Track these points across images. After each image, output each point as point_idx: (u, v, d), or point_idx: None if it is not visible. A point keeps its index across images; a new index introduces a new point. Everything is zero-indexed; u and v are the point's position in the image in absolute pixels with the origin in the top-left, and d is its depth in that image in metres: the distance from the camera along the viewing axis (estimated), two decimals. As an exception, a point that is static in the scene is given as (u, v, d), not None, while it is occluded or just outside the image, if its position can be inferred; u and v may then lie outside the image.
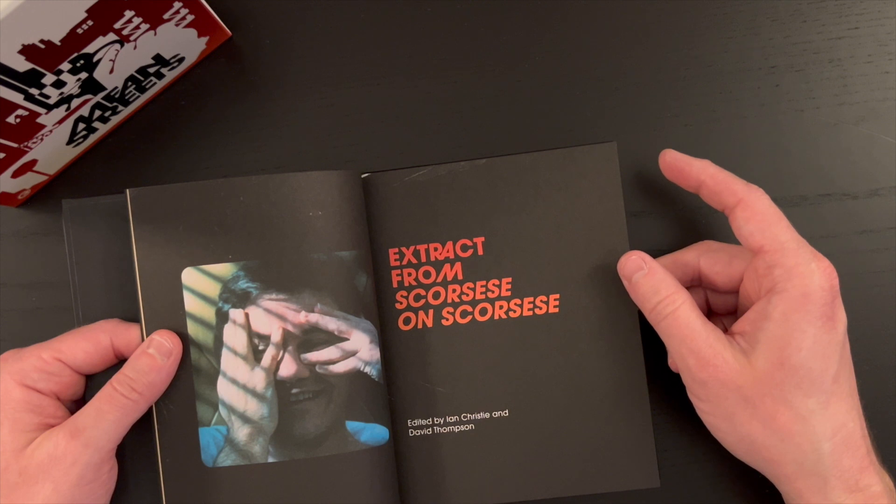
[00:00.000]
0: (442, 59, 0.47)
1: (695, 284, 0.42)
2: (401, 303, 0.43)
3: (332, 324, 0.40)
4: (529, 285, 0.42)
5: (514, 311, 0.42)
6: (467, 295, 0.43)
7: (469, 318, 0.43)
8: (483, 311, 0.43)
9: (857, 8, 0.46)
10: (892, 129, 0.45)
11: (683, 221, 0.45)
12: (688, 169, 0.40)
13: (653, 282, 0.39)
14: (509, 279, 0.42)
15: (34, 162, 0.43)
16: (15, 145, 0.40)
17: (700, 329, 0.38)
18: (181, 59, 0.45)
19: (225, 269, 0.40)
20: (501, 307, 0.42)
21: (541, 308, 0.42)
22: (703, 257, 0.41)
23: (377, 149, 0.46)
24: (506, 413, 0.42)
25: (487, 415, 0.42)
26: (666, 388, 0.44)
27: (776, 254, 0.37)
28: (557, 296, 0.42)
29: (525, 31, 0.47)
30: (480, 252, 0.43)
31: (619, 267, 0.41)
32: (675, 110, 0.46)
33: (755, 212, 0.38)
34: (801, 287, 0.36)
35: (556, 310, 0.42)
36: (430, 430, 0.42)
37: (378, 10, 0.47)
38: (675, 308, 0.38)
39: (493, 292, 0.43)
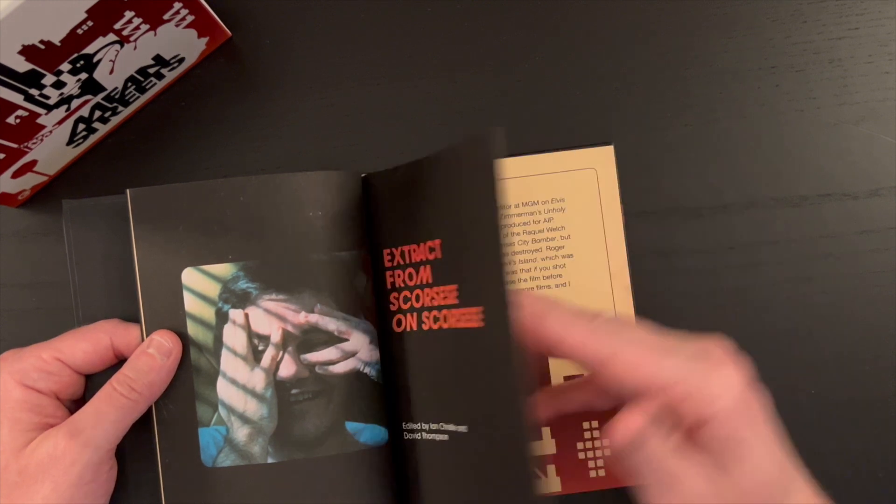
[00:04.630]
0: (442, 59, 0.47)
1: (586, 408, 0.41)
2: (393, 304, 0.41)
3: (331, 324, 0.40)
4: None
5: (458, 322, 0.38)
6: (434, 299, 0.39)
7: (438, 323, 0.39)
8: (436, 319, 0.39)
9: (857, 8, 0.46)
10: (892, 129, 0.45)
11: (683, 222, 0.45)
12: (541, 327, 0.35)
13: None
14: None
15: (34, 162, 0.43)
16: (15, 146, 0.40)
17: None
18: (181, 60, 0.45)
19: (225, 269, 0.40)
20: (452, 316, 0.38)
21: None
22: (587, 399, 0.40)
23: (377, 149, 0.46)
24: (464, 429, 0.38)
25: (454, 427, 0.38)
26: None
27: (676, 387, 0.34)
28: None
29: (525, 31, 0.47)
30: (440, 255, 0.39)
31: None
32: (675, 110, 0.46)
33: (628, 365, 0.34)
34: (721, 407, 0.33)
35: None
36: (419, 435, 0.40)
37: (378, 10, 0.47)
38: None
39: (445, 297, 0.39)
